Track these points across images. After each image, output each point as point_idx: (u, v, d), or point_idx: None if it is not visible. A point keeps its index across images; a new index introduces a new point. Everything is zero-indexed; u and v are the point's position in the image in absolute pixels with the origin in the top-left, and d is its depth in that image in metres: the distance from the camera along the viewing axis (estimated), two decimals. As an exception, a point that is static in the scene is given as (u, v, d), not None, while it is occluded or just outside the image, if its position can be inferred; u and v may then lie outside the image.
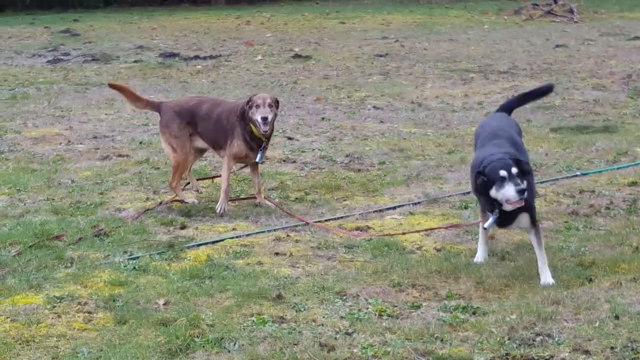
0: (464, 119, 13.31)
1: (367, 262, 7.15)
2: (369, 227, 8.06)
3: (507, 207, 6.52)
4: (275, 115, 8.69)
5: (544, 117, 13.14)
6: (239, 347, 5.59)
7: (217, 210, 8.53)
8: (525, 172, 6.50)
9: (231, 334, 5.76)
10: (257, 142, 8.67)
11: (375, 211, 8.57)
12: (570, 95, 15.08)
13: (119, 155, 11.27)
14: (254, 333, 5.79)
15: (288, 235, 7.86)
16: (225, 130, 8.73)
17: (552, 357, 5.34)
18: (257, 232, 7.97)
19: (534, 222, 6.70)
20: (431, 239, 7.70)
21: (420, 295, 6.42)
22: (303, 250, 7.50)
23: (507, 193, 6.41)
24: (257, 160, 8.80)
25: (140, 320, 6.00)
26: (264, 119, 8.47)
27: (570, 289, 6.39)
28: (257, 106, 8.52)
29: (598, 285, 6.44)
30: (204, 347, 5.59)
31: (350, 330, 5.81)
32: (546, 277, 6.54)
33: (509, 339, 5.60)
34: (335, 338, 5.70)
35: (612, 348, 5.41)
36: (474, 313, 6.05)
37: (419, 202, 8.82)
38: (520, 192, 6.36)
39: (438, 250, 7.41)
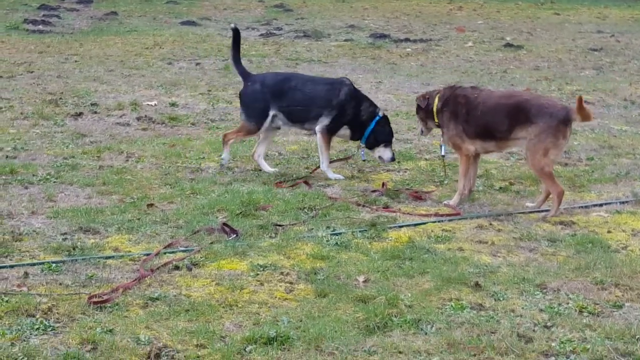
0: (679, 119, 12.88)
1: (570, 257, 7.03)
2: (573, 222, 7.92)
3: None
4: None
5: None
6: (436, 330, 5.61)
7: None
8: None
9: (429, 316, 5.78)
10: None
11: (581, 207, 8.41)
12: None
13: (327, 132, 11.43)
14: (452, 318, 5.79)
15: (491, 224, 7.81)
16: None
17: None
18: (460, 218, 7.96)
19: None
20: (637, 239, 7.51)
21: (623, 295, 6.27)
22: (505, 239, 7.43)
23: None
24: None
25: (340, 295, 6.09)
26: None
27: None
28: None
29: None
30: (401, 326, 5.63)
31: (549, 324, 5.74)
32: None
33: None
34: (534, 330, 5.65)
35: None
36: (679, 318, 5.86)
37: (627, 201, 8.60)
38: None
39: (644, 252, 7.21)
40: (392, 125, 9.51)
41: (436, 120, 8.55)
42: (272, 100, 9.26)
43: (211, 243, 7.06)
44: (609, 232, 7.69)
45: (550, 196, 8.17)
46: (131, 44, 19.87)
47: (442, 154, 9.07)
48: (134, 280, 6.24)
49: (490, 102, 8.30)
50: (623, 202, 8.57)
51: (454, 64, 18.25)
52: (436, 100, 8.51)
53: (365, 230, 7.50)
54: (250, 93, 9.43)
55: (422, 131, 8.93)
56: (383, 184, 8.81)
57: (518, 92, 8.90)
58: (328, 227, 7.57)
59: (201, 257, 6.76)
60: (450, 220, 7.87)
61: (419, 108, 8.72)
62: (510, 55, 19.83)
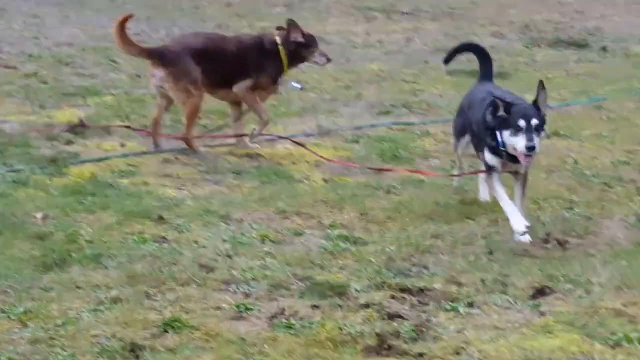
0: (364, 56, 13.28)
1: (255, 189, 7.12)
2: (259, 155, 8.01)
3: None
4: None
5: (441, 60, 13.15)
6: (117, 264, 5.52)
7: None
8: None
9: (110, 251, 5.69)
10: None
11: (267, 140, 8.50)
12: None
13: (6, 67, 11.05)
14: (134, 251, 5.72)
15: (177, 158, 7.77)
16: None
17: (425, 287, 5.37)
18: (145, 153, 7.85)
19: None
20: (319, 170, 7.69)
21: (304, 223, 6.42)
22: (190, 173, 7.43)
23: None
24: None
25: (16, 233, 5.89)
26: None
27: (451, 224, 6.43)
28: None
29: (477, 222, 6.50)
30: (80, 262, 5.50)
31: (231, 253, 5.78)
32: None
33: (386, 268, 5.63)
34: (216, 260, 5.66)
35: (482, 281, 5.46)
36: (355, 242, 6.07)
37: (311, 134, 8.79)
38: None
39: (326, 181, 7.40)
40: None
41: None
42: None
43: None
44: (293, 163, 7.85)
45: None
46: None
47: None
48: None
49: None
50: (308, 135, 8.76)
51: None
52: None
53: (45, 167, 7.27)
54: None
55: None
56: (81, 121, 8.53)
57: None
58: (5, 164, 7.28)
59: None
60: (135, 155, 7.74)
61: None
62: (202, -10, 19.76)
